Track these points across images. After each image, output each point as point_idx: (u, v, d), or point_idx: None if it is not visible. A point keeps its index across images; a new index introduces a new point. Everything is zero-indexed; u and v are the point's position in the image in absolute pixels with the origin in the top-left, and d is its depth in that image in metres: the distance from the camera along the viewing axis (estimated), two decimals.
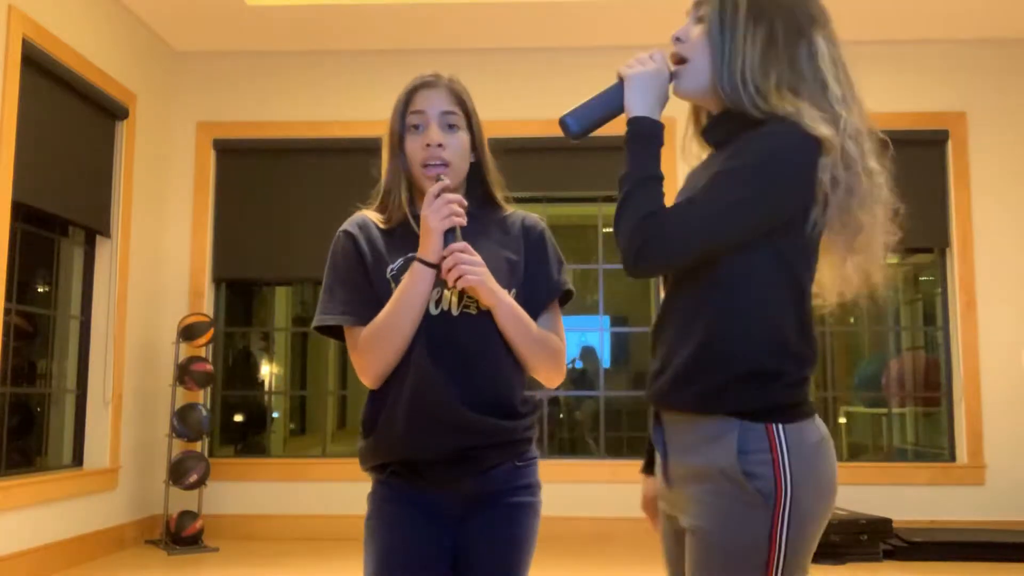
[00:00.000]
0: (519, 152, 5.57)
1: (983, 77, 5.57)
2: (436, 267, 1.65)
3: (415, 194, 1.76)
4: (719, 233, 1.36)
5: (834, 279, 1.46)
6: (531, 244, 1.79)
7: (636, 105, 1.45)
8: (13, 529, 4.08)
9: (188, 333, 5.17)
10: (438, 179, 1.68)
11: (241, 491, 5.46)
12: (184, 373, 5.13)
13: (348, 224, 1.77)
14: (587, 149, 5.70)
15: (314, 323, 1.73)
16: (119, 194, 5.07)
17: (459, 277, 1.61)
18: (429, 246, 1.64)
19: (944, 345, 5.53)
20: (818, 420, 1.42)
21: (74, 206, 4.71)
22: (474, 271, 1.62)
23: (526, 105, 5.61)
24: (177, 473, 5.01)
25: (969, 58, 5.58)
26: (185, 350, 5.28)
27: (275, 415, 6.75)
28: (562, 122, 1.49)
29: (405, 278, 1.65)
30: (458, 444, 1.64)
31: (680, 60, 1.48)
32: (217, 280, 5.75)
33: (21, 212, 4.35)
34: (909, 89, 5.52)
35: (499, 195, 1.82)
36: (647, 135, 1.43)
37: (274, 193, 5.70)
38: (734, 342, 1.38)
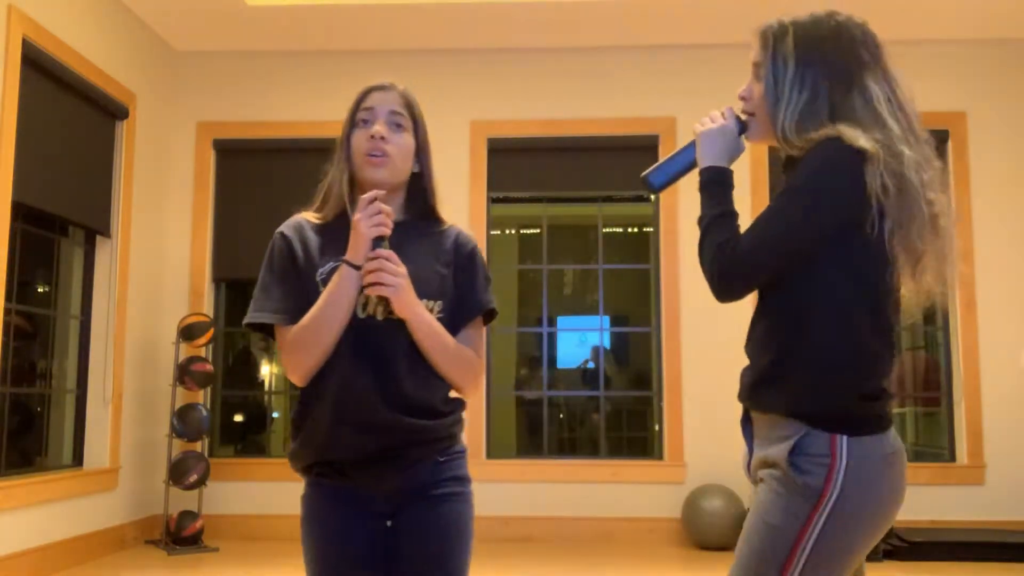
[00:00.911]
0: (520, 152, 5.57)
1: (983, 77, 5.57)
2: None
3: (356, 189, 1.81)
4: (781, 250, 1.53)
5: (916, 293, 1.60)
6: (461, 260, 1.83)
7: (705, 157, 1.68)
8: (13, 529, 4.09)
9: (188, 333, 5.18)
10: (374, 199, 1.71)
11: (241, 491, 5.46)
12: (184, 373, 5.14)
13: (284, 226, 1.82)
14: (587, 149, 5.70)
15: (246, 319, 1.76)
16: (119, 194, 5.08)
17: (375, 283, 1.66)
18: (358, 249, 1.69)
19: (944, 345, 5.53)
20: (891, 435, 1.54)
21: (74, 206, 4.72)
22: (393, 281, 1.66)
23: (526, 105, 5.59)
24: (177, 473, 5.01)
25: (969, 58, 5.58)
26: (185, 350, 5.28)
27: (275, 415, 6.75)
28: (644, 179, 1.73)
29: (332, 280, 1.70)
30: (379, 444, 1.69)
31: (750, 114, 1.70)
32: (217, 280, 5.75)
33: (21, 212, 4.35)
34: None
35: (438, 208, 1.87)
36: (716, 180, 1.65)
37: (274, 193, 5.69)
38: (807, 352, 1.52)
